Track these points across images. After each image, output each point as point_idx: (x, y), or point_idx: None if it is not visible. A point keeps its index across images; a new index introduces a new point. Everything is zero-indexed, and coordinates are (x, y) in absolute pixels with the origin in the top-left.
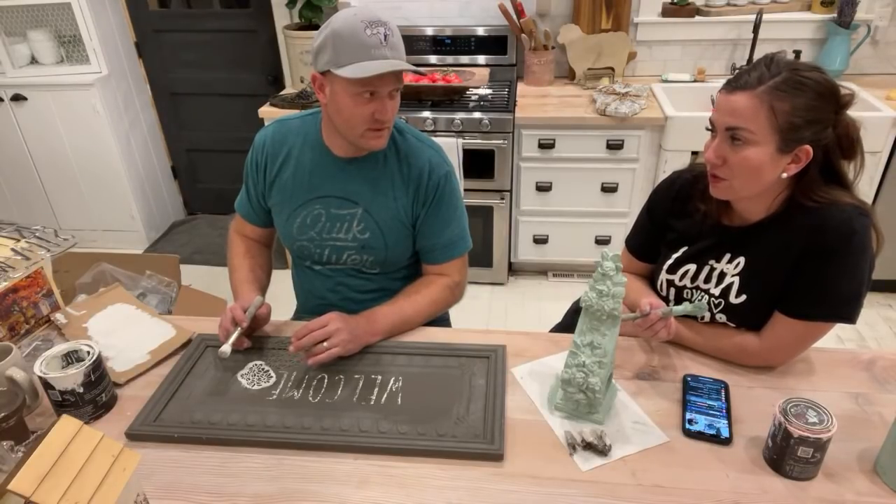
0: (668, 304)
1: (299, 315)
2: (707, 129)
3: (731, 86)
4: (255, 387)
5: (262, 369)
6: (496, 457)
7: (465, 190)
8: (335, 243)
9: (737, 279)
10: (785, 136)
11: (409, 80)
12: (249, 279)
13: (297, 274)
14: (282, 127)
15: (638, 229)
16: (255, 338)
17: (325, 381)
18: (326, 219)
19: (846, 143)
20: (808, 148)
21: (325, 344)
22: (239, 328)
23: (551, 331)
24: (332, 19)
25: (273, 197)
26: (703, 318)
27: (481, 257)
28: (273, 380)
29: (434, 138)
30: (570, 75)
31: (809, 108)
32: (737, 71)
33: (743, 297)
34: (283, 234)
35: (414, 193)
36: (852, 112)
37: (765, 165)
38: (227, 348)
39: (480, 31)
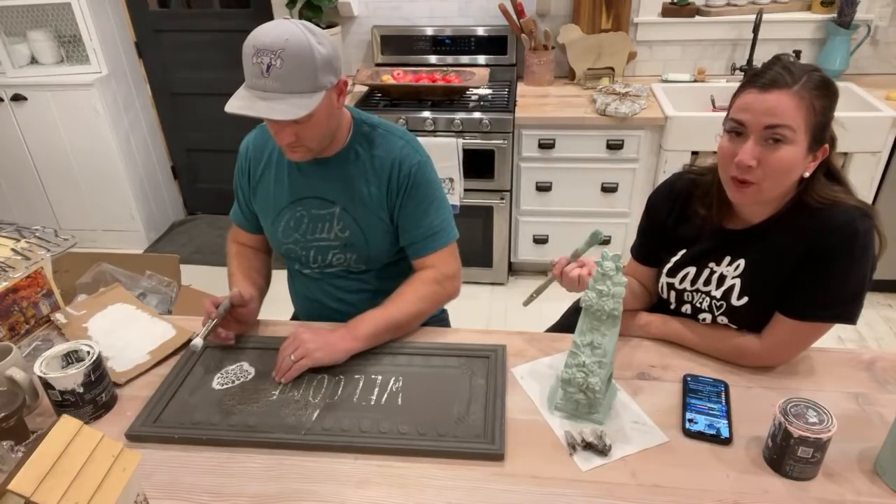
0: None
1: (297, 317)
2: (735, 133)
3: (762, 85)
4: (242, 383)
5: (243, 368)
6: (497, 457)
7: (466, 190)
8: (319, 244)
9: (738, 281)
10: (815, 136)
11: (409, 79)
12: (244, 283)
13: (290, 279)
14: (263, 131)
15: (639, 233)
16: (254, 339)
17: (325, 381)
18: (308, 220)
19: (831, 138)
20: (826, 146)
21: (292, 357)
22: (211, 321)
23: (548, 330)
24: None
25: (258, 201)
26: (703, 319)
27: (481, 257)
28: (263, 378)
29: (434, 138)
30: (570, 75)
31: (832, 107)
32: (741, 70)
33: (745, 300)
34: (271, 238)
35: (387, 185)
36: (848, 110)
37: (797, 165)
38: (198, 341)
39: (480, 31)
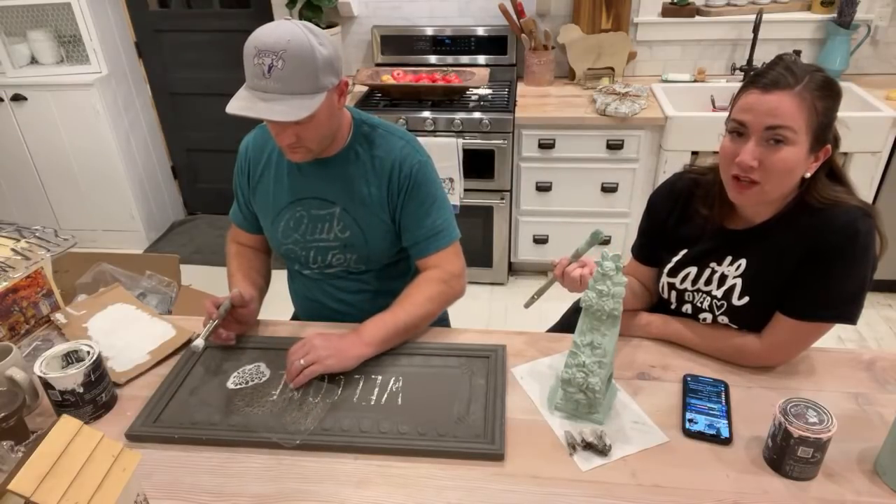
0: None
1: (297, 317)
2: (736, 134)
3: (763, 86)
4: (255, 385)
5: (260, 369)
6: (497, 457)
7: (466, 190)
8: (319, 244)
9: (739, 281)
10: (817, 136)
11: (409, 79)
12: (243, 284)
13: (290, 279)
14: (263, 132)
15: (639, 234)
16: (255, 339)
17: (325, 381)
18: (308, 220)
19: (834, 138)
20: (829, 147)
21: (301, 362)
22: (212, 322)
23: (548, 330)
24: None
25: (257, 202)
26: (704, 319)
27: (481, 257)
28: (273, 378)
29: (434, 138)
30: (570, 75)
31: (835, 107)
32: (741, 70)
33: (746, 299)
34: (270, 238)
35: (387, 186)
36: (848, 110)
37: (799, 166)
38: (199, 342)
39: (480, 31)
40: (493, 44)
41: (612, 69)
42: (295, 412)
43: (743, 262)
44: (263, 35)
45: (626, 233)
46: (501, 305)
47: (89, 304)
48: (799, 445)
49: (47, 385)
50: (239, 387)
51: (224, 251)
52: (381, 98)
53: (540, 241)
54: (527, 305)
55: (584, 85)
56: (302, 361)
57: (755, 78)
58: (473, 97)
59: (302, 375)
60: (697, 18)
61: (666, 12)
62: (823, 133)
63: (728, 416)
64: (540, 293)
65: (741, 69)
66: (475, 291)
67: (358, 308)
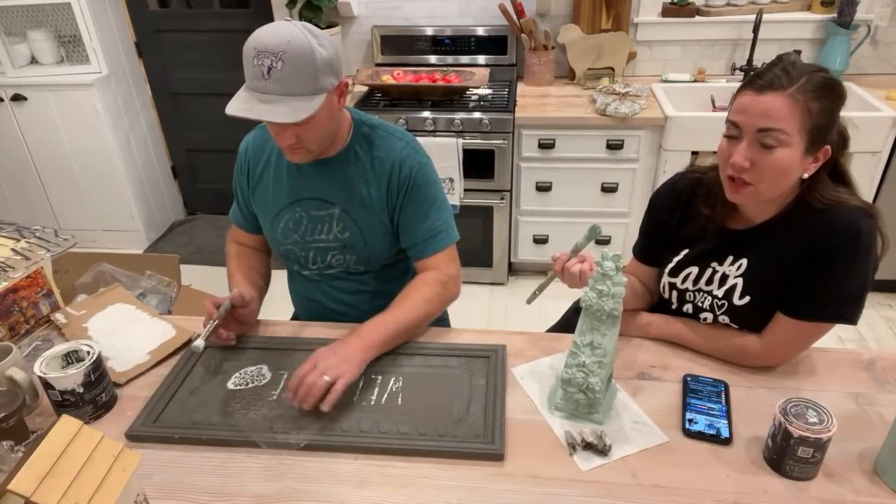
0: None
1: (297, 317)
2: (731, 135)
3: (758, 87)
4: (254, 387)
5: (262, 372)
6: (497, 457)
7: (466, 190)
8: (318, 245)
9: (740, 280)
10: (813, 138)
11: (409, 79)
12: (243, 284)
13: (290, 280)
14: (262, 132)
15: (640, 233)
16: (255, 339)
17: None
18: (308, 221)
19: (841, 139)
20: (828, 147)
21: (326, 378)
22: (212, 322)
23: (548, 330)
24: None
25: (257, 202)
26: (704, 319)
27: (481, 257)
28: (273, 380)
29: (434, 138)
30: (570, 75)
31: (833, 109)
32: (740, 70)
33: (747, 299)
34: (270, 239)
35: (387, 187)
36: (848, 110)
37: (793, 167)
38: (199, 342)
39: (480, 31)
40: (493, 44)
41: (612, 69)
42: (293, 408)
43: (744, 261)
44: (263, 36)
45: (626, 233)
46: (501, 305)
47: (89, 304)
48: (799, 445)
49: (47, 385)
50: (238, 388)
51: (224, 251)
52: (381, 98)
53: (540, 241)
54: (528, 301)
55: (584, 85)
56: (327, 378)
57: (752, 79)
58: (473, 97)
59: (332, 393)
60: (697, 18)
61: (666, 12)
62: (821, 134)
63: (728, 416)
64: (541, 289)
65: (741, 69)
66: (475, 291)
67: (357, 308)
